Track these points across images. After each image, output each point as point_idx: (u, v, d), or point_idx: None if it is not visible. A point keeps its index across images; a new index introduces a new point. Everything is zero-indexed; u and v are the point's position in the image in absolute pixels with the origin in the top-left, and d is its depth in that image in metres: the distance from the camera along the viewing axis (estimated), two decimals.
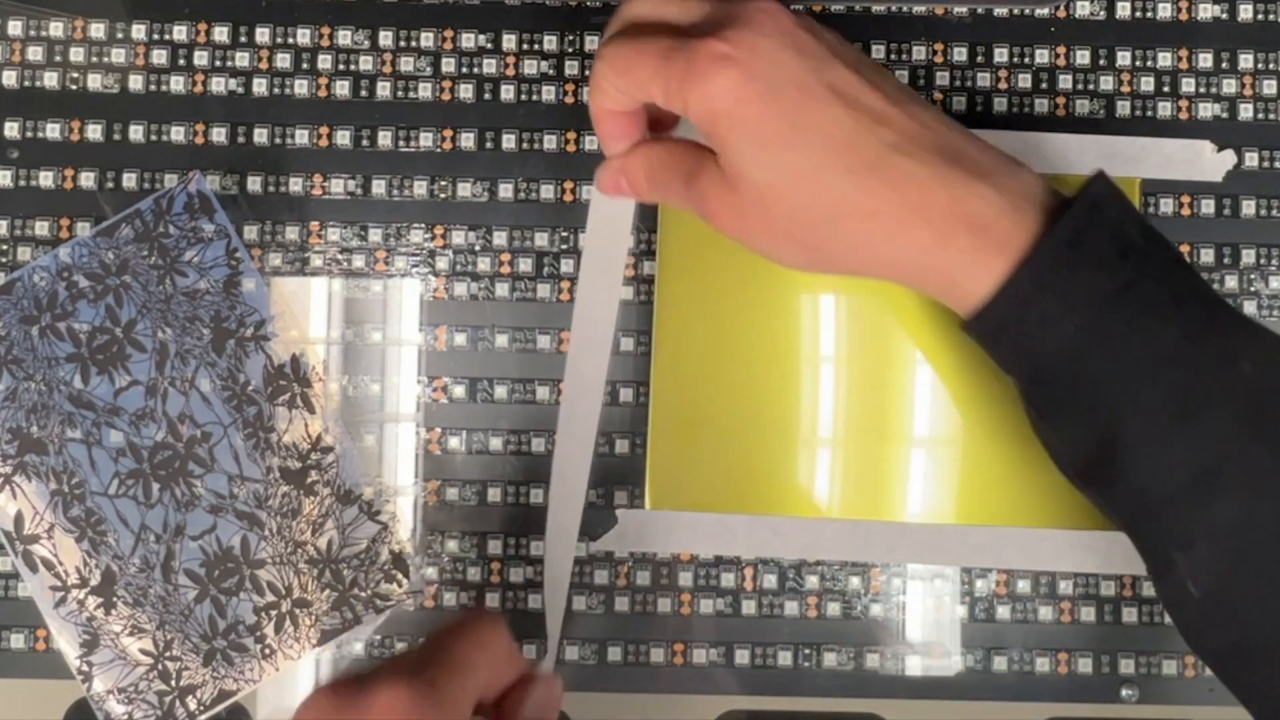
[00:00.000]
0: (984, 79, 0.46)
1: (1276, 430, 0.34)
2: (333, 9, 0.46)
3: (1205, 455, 0.34)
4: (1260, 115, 0.46)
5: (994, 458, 0.44)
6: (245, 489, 0.45)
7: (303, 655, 0.45)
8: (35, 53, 0.46)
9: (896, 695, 0.44)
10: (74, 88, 0.46)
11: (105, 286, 0.45)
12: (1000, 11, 0.46)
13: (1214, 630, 0.35)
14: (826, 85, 0.34)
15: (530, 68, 0.46)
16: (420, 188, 0.46)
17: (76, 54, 0.46)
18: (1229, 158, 0.45)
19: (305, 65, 0.46)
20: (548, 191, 0.46)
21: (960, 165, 0.35)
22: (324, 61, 0.46)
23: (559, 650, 0.44)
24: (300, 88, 0.46)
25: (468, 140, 0.46)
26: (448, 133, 0.46)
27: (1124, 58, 0.46)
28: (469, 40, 0.46)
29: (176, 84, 0.46)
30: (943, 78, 0.46)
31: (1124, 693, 0.44)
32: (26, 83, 0.46)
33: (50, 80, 0.46)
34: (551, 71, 0.46)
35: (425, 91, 0.46)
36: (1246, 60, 0.46)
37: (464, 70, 0.46)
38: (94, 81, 0.46)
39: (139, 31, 0.46)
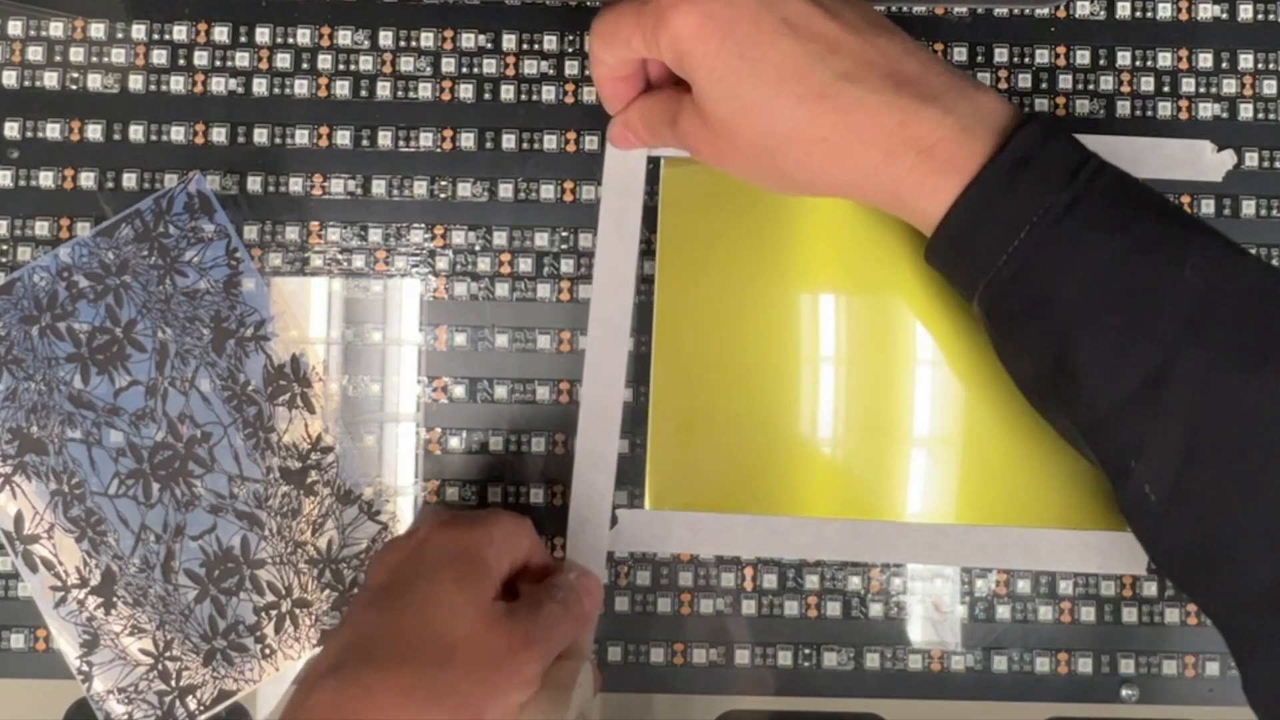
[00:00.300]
0: (984, 79, 0.46)
1: (1219, 331, 0.34)
2: (333, 9, 0.46)
3: (1152, 361, 0.34)
4: (1260, 115, 0.46)
5: (994, 458, 0.44)
6: (245, 489, 0.45)
7: (303, 655, 0.45)
8: (35, 53, 0.46)
9: (896, 695, 0.44)
10: (74, 88, 0.46)
11: (105, 286, 0.45)
12: (1000, 11, 0.46)
13: (1174, 536, 0.36)
14: (780, 19, 0.36)
15: (530, 68, 0.46)
16: (420, 188, 0.46)
17: (76, 54, 0.46)
18: (1229, 158, 0.45)
19: (305, 65, 0.46)
20: (548, 191, 0.46)
21: (910, 89, 0.36)
22: (324, 61, 0.46)
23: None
24: (300, 88, 0.46)
25: (468, 140, 0.46)
26: (448, 133, 0.46)
27: (1124, 58, 0.46)
28: (469, 40, 0.46)
29: (176, 84, 0.46)
30: None
31: (1124, 693, 0.44)
32: (26, 83, 0.46)
33: (50, 80, 0.46)
34: (551, 71, 0.46)
35: (425, 91, 0.46)
36: (1246, 60, 0.46)
37: (464, 70, 0.46)
38: (94, 81, 0.46)
39: (139, 31, 0.46)
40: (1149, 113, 0.46)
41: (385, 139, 0.46)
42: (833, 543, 0.44)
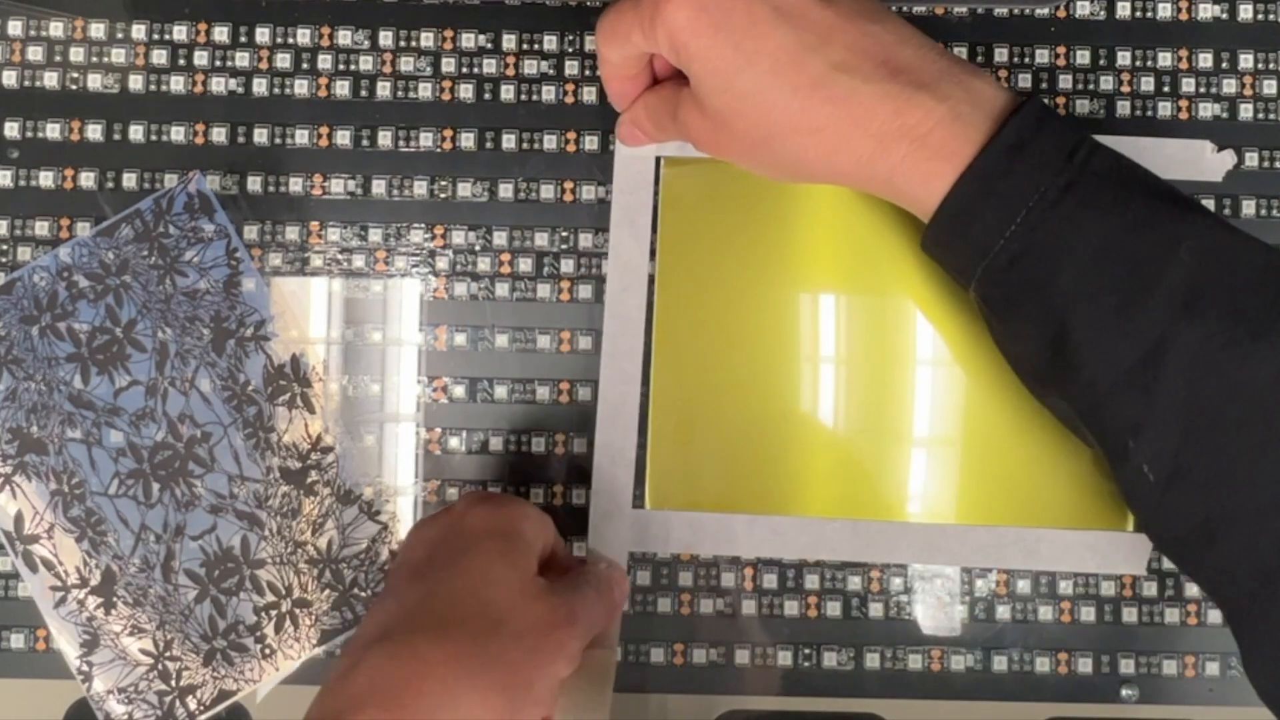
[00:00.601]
0: None
1: (1215, 308, 0.34)
2: (333, 9, 0.46)
3: (1148, 340, 0.34)
4: (1260, 115, 0.46)
5: (994, 458, 0.44)
6: (245, 489, 0.45)
7: (303, 655, 0.45)
8: (35, 53, 0.46)
9: (896, 695, 0.44)
10: (74, 88, 0.46)
11: (105, 286, 0.45)
12: (1000, 11, 0.46)
13: (1173, 514, 0.36)
14: (773, 8, 0.36)
15: (530, 68, 0.46)
16: (420, 188, 0.46)
17: (76, 54, 0.46)
18: (1229, 158, 0.45)
19: (305, 65, 0.46)
20: (548, 191, 0.46)
21: (903, 77, 0.36)
22: (324, 61, 0.46)
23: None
24: (300, 88, 0.46)
25: (468, 140, 0.46)
26: (448, 133, 0.46)
27: (1124, 58, 0.46)
28: (469, 40, 0.46)
29: (176, 84, 0.46)
30: None
31: (1124, 693, 0.44)
32: (26, 83, 0.46)
33: (50, 80, 0.46)
34: (551, 71, 0.46)
35: (425, 91, 0.46)
36: (1246, 60, 0.46)
37: (464, 70, 0.46)
38: (94, 81, 0.46)
39: (139, 31, 0.46)
40: (1149, 113, 0.46)
41: (385, 139, 0.46)
42: (833, 543, 0.44)
